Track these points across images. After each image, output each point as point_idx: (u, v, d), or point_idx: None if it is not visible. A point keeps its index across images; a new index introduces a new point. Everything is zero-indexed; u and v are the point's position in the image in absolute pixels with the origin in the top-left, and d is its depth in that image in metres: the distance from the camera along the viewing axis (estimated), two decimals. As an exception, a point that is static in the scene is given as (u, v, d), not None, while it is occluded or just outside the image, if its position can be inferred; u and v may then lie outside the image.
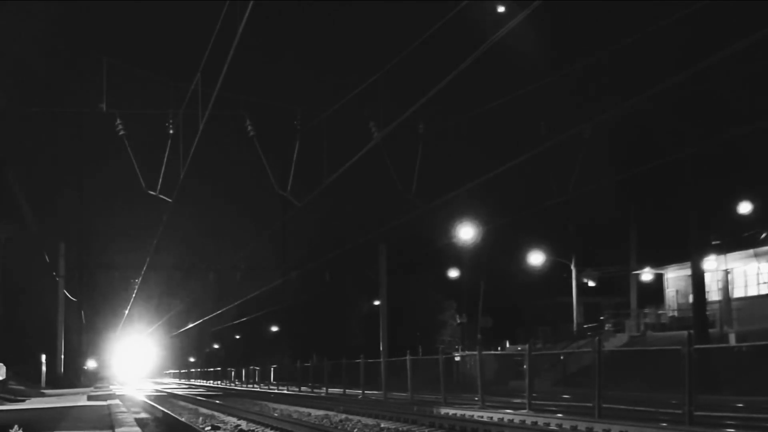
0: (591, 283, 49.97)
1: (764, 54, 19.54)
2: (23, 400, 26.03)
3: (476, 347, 25.55)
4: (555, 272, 52.11)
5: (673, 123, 34.80)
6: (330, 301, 65.27)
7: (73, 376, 48.84)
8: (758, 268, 39.70)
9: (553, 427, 16.07)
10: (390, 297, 43.66)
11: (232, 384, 71.43)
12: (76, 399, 26.67)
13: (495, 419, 18.13)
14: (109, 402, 23.82)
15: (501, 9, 18.02)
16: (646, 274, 48.52)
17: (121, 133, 21.73)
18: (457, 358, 39.29)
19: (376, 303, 50.67)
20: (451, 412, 21.09)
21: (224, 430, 18.55)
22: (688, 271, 36.73)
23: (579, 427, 15.55)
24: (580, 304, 49.73)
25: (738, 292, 40.16)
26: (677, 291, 45.44)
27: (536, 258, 49.56)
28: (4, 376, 30.11)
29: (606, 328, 46.19)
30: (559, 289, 52.36)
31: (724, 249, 39.28)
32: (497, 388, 28.83)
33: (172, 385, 73.78)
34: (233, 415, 23.27)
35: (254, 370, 66.70)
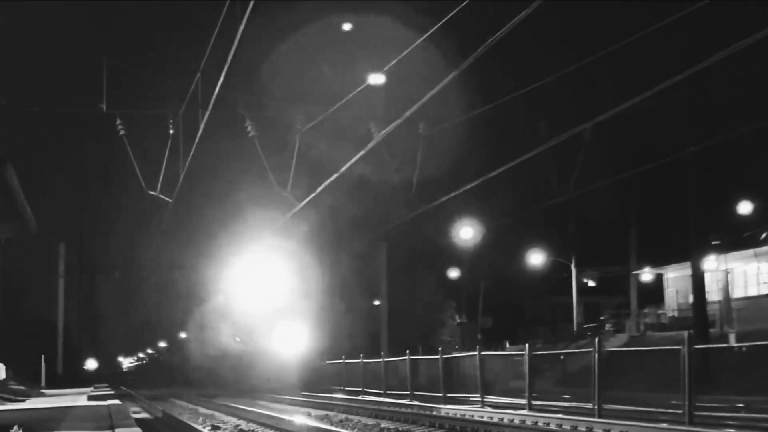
0: (591, 283, 49.96)
1: (764, 54, 19.53)
2: (23, 400, 26.03)
3: (476, 347, 25.50)
4: (555, 272, 52.11)
5: (673, 123, 34.78)
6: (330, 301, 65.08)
7: (76, 376, 48.44)
8: (758, 268, 39.67)
9: (553, 427, 16.08)
10: (390, 297, 43.57)
11: None
12: (76, 399, 26.66)
13: (495, 419, 18.13)
14: (109, 402, 23.81)
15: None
16: (646, 274, 48.50)
17: (122, 133, 21.77)
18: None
19: (377, 303, 50.60)
20: (451, 412, 21.07)
21: (224, 430, 18.54)
22: (688, 271, 36.63)
23: (579, 427, 15.55)
24: (580, 304, 49.69)
25: (738, 292, 40.11)
26: (677, 291, 45.39)
27: (536, 258, 49.55)
28: (4, 376, 30.14)
29: (606, 328, 46.14)
30: (559, 289, 52.34)
31: (724, 249, 39.22)
32: (497, 388, 28.79)
33: None
34: (233, 415, 23.27)
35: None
